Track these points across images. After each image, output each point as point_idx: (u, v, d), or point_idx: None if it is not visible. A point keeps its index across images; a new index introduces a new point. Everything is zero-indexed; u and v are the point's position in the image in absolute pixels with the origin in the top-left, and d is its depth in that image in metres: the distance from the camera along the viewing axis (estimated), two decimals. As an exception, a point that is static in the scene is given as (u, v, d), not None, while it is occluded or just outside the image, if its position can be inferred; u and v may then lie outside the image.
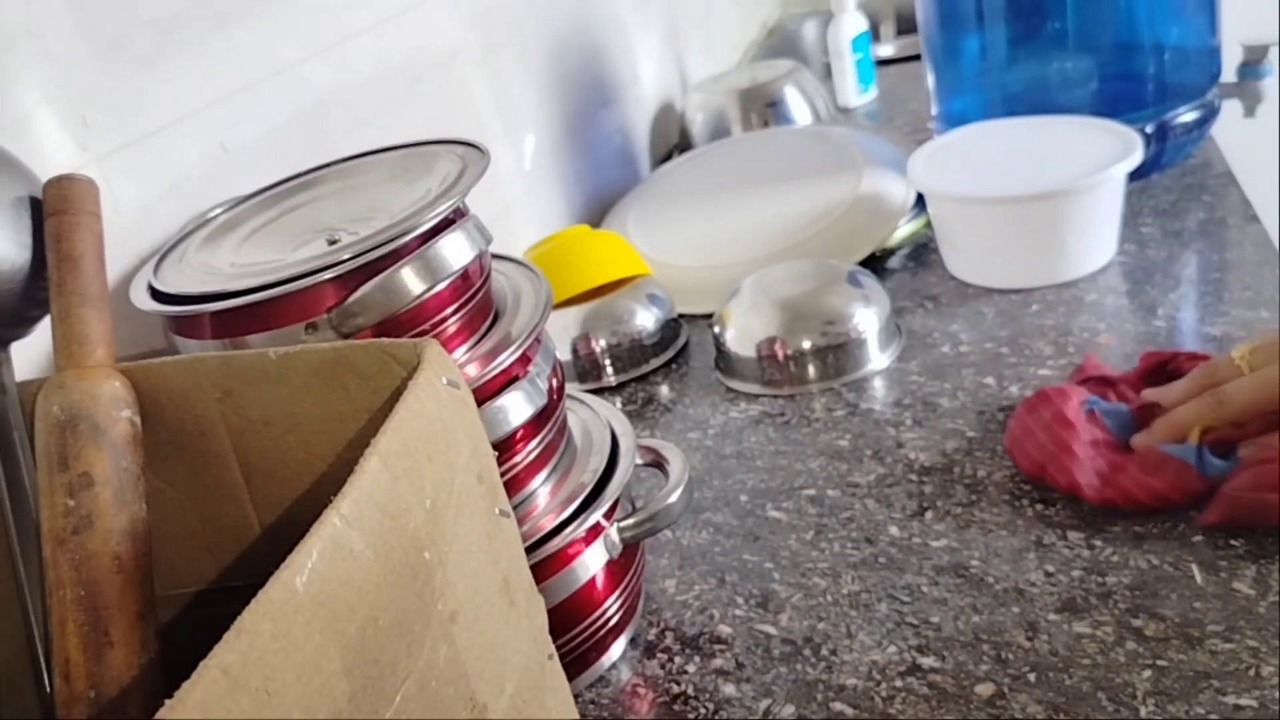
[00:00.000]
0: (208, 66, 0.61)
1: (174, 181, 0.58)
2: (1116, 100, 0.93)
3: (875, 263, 0.92)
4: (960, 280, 0.86)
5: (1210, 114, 0.94)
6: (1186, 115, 0.92)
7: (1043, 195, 0.77)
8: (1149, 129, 0.90)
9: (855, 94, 1.40)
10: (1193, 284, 0.77)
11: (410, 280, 0.47)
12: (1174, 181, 0.92)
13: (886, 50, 1.87)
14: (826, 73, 1.83)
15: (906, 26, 2.04)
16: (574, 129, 1.09)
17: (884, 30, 2.01)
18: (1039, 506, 0.59)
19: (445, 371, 0.34)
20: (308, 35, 0.69)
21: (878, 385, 0.75)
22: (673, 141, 1.40)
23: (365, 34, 0.74)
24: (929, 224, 0.97)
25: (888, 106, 1.38)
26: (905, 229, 0.96)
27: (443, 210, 0.47)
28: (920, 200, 0.95)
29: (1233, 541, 0.53)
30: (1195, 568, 0.52)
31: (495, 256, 0.59)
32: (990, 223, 0.81)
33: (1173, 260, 0.81)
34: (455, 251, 0.48)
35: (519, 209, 0.95)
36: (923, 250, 0.94)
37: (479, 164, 0.52)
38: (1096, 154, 0.80)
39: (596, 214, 1.12)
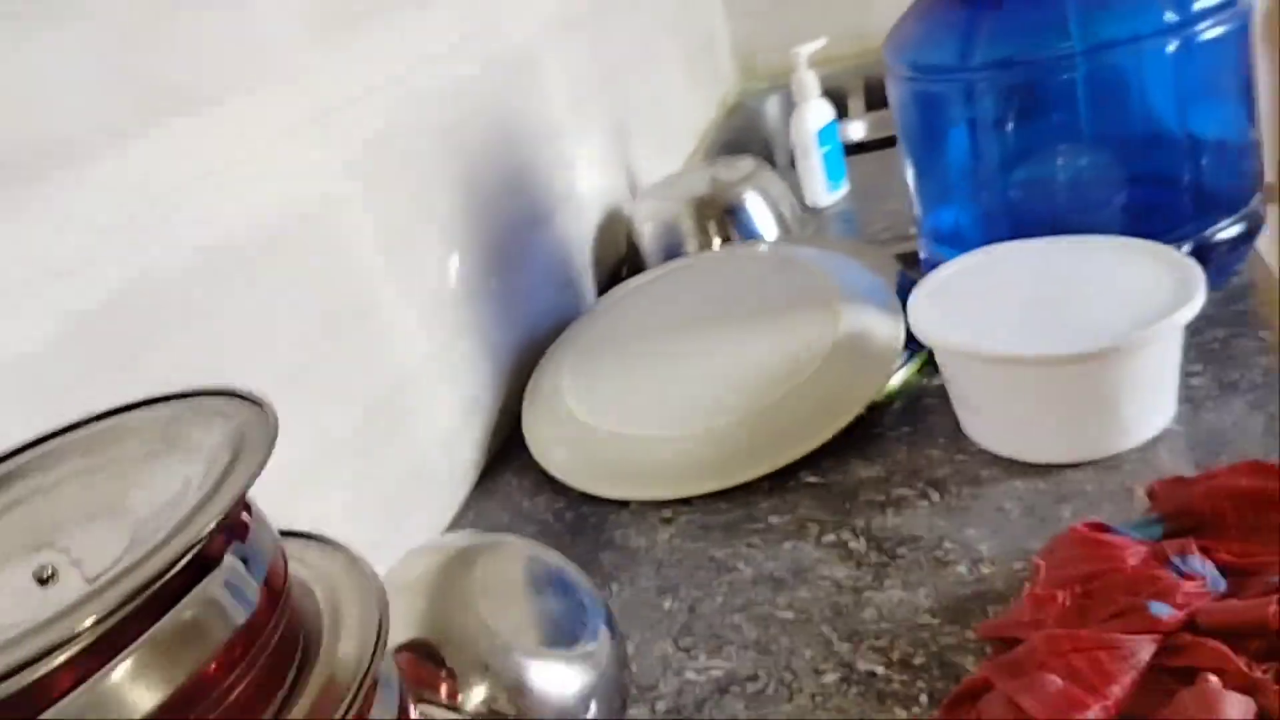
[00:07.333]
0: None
1: None
2: (1144, 213, 0.76)
3: (862, 428, 0.75)
4: (979, 448, 0.69)
5: (1256, 225, 0.77)
6: (1230, 229, 0.75)
7: (1088, 355, 0.60)
8: (1186, 249, 0.73)
9: (824, 192, 1.23)
10: (1265, 453, 0.60)
11: (137, 690, 0.29)
12: (1219, 310, 0.75)
13: (857, 131, 1.73)
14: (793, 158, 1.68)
15: (877, 100, 1.90)
16: (496, 262, 0.91)
17: (852, 105, 1.87)
18: None
19: None
20: (104, 216, 0.52)
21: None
22: (621, 253, 1.23)
23: (184, 199, 0.57)
24: (923, 368, 0.80)
25: (862, 206, 1.22)
26: (896, 377, 0.79)
27: (194, 543, 0.30)
28: (913, 339, 0.78)
29: None
30: None
31: (289, 534, 0.42)
32: (1021, 386, 0.64)
33: (1239, 429, 0.63)
34: (212, 620, 0.30)
35: (416, 384, 0.77)
36: (919, 404, 0.76)
37: (259, 444, 0.34)
38: (1143, 289, 0.64)
39: (528, 357, 0.95)
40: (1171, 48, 0.69)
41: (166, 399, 0.40)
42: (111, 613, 0.28)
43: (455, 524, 0.79)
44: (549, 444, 0.82)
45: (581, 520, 0.75)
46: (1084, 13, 0.70)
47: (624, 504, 0.75)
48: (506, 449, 0.88)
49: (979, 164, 0.81)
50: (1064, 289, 0.67)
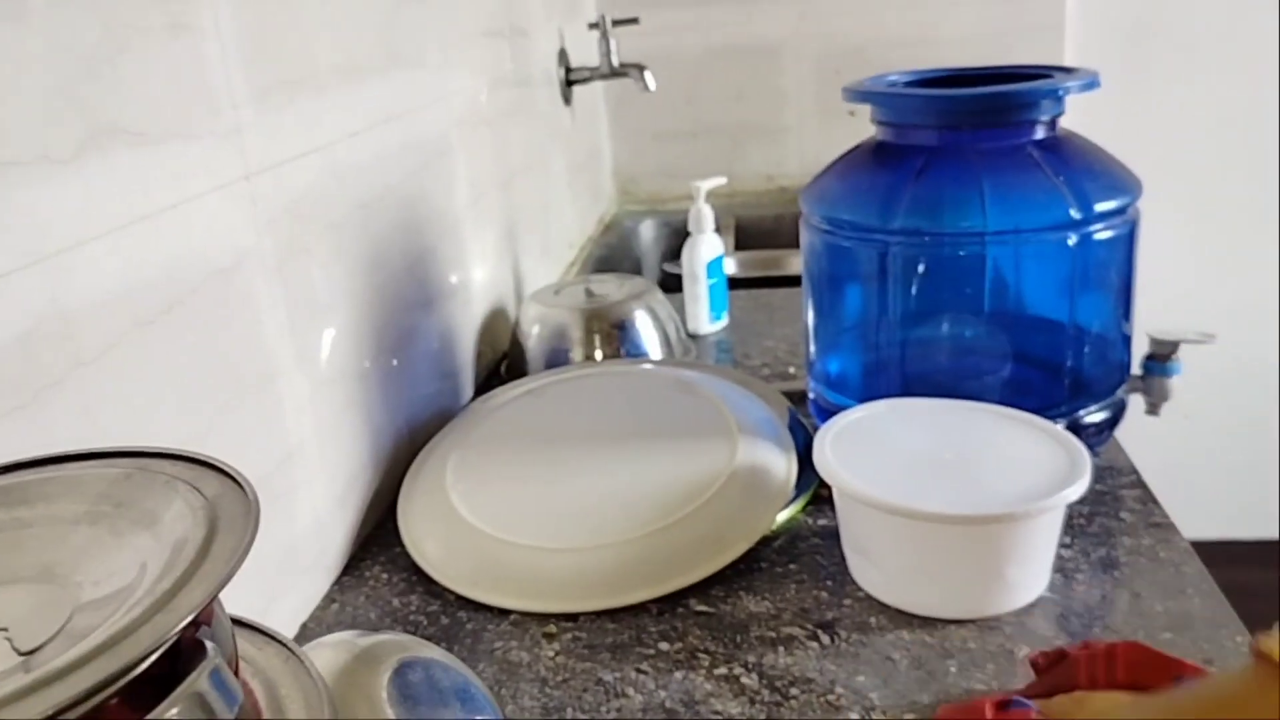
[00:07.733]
0: None
1: None
2: (1023, 389, 0.82)
3: (746, 561, 0.75)
4: (866, 594, 0.70)
5: (1119, 412, 0.84)
6: (1098, 414, 0.82)
7: (987, 518, 0.64)
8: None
9: (707, 321, 1.27)
10: (1136, 635, 0.64)
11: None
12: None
13: (728, 267, 1.78)
14: (662, 279, 1.72)
15: (747, 240, 1.97)
16: (389, 340, 0.89)
17: (724, 242, 1.93)
18: None
19: None
20: (25, 242, 0.48)
21: None
22: (502, 350, 1.22)
23: (106, 237, 0.53)
24: (806, 506, 0.82)
25: (741, 339, 1.25)
26: (782, 513, 0.80)
27: (170, 632, 0.27)
28: (802, 480, 0.80)
29: None
30: None
31: (241, 624, 0.39)
32: (918, 539, 0.66)
33: (1108, 604, 0.68)
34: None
35: (300, 460, 0.73)
36: (802, 542, 0.78)
37: (236, 528, 0.32)
38: (1034, 461, 0.68)
39: (405, 444, 0.91)
40: (1071, 241, 0.76)
41: (111, 454, 0.37)
42: (88, 695, 0.25)
43: (320, 615, 0.74)
44: (426, 540, 0.79)
45: (457, 626, 0.72)
46: (998, 198, 0.75)
47: (504, 613, 0.72)
48: (375, 538, 0.84)
49: (879, 319, 0.85)
50: (963, 451, 0.70)
